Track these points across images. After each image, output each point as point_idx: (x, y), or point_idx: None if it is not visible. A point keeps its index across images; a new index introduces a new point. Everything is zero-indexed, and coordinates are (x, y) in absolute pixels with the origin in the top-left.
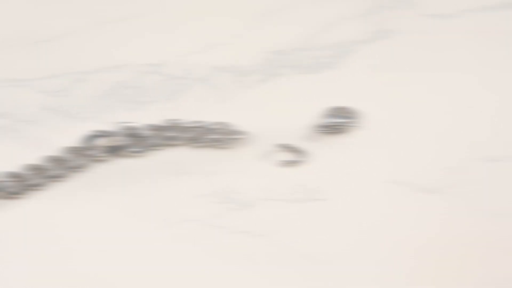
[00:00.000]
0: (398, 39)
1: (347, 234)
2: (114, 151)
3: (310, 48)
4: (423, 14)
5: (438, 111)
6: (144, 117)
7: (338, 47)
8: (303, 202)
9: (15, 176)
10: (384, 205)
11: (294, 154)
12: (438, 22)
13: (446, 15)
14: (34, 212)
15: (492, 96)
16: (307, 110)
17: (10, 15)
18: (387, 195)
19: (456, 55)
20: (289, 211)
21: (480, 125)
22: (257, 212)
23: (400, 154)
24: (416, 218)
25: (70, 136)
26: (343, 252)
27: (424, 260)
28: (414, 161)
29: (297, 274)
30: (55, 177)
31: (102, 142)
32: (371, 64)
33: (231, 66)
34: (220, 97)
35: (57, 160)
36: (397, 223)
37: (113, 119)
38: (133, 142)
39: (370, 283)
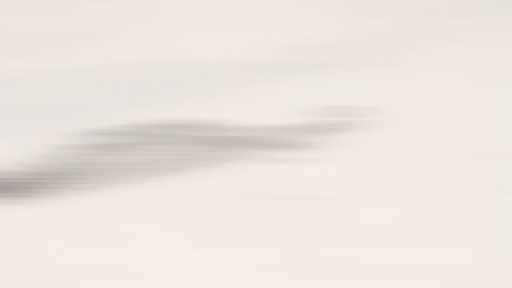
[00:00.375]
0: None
1: (376, 234)
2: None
3: (315, 46)
4: None
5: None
6: (145, 114)
7: (345, 46)
8: (329, 201)
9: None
10: (412, 205)
11: (295, 152)
12: None
13: None
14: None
15: None
16: (313, 108)
17: (14, 13)
18: (416, 195)
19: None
20: (317, 210)
21: None
22: (283, 211)
23: (427, 152)
24: (447, 218)
25: (78, 133)
26: (374, 252)
27: (458, 259)
28: (445, 159)
29: (324, 273)
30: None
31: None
32: (381, 62)
33: (235, 64)
34: (225, 94)
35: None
36: (427, 222)
37: (117, 116)
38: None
39: (399, 284)
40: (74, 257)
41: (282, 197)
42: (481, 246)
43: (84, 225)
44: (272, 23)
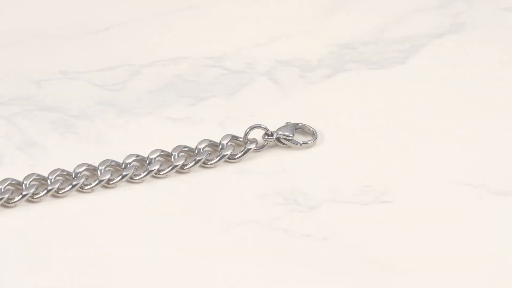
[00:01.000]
0: (472, 33)
1: (417, 239)
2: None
3: (379, 42)
4: (500, 7)
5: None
6: (202, 113)
7: (408, 42)
8: (370, 204)
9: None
10: (457, 208)
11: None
12: None
13: None
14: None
15: None
16: (374, 107)
17: (61, 5)
18: (459, 197)
19: None
20: (355, 214)
21: None
22: (321, 215)
23: (472, 154)
24: (490, 221)
25: (126, 131)
26: (414, 259)
27: (499, 265)
28: (487, 161)
29: (362, 282)
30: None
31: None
32: (443, 59)
33: (295, 60)
34: (284, 92)
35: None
36: (470, 226)
37: (170, 114)
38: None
39: None
40: (130, 259)
41: (346, 200)
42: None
43: (142, 228)
44: (335, 16)
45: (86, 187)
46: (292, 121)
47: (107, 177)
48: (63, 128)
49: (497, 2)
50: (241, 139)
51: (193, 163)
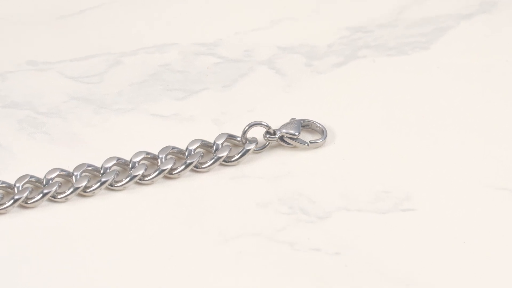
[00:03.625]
0: (505, 14)
1: (444, 253)
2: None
3: (397, 25)
4: None
5: None
6: (193, 108)
7: (431, 24)
8: (390, 213)
9: None
10: (491, 216)
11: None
12: None
13: None
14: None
15: None
16: (393, 100)
17: None
18: (493, 204)
19: None
20: (372, 224)
21: None
22: (332, 225)
23: (507, 153)
24: None
25: (106, 130)
26: (440, 276)
27: None
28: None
29: None
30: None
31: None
32: (469, 43)
33: (301, 46)
34: (287, 83)
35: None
36: (506, 238)
37: (155, 110)
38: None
39: None
40: (129, 270)
41: (360, 208)
42: None
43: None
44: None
45: (59, 196)
46: (298, 117)
47: (83, 184)
48: (31, 127)
49: None
50: (238, 139)
51: (183, 167)
